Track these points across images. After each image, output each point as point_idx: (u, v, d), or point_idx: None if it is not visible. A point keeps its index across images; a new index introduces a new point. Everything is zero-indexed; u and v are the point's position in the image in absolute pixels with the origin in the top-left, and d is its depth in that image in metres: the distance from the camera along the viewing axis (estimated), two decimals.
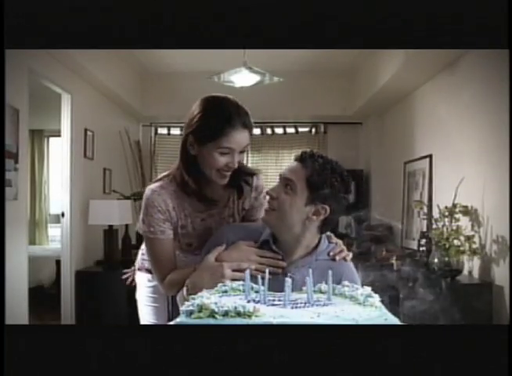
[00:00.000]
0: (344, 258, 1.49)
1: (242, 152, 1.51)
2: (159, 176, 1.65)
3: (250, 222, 1.68)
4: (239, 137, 1.46)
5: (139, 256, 1.85)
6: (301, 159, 1.40)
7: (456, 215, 2.97)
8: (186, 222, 1.60)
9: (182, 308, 1.04)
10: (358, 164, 5.64)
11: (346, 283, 1.22)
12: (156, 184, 1.57)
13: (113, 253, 4.15)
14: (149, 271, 1.75)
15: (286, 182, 1.39)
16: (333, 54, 4.62)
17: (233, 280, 1.33)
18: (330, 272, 1.19)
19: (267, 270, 1.22)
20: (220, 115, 1.46)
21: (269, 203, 1.41)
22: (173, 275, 1.56)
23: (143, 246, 1.73)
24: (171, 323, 1.14)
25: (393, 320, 1.04)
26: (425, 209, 3.51)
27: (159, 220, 1.54)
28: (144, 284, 1.82)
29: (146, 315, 1.82)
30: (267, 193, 1.44)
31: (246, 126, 1.47)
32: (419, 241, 3.43)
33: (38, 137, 6.51)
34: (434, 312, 2.68)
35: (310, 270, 1.19)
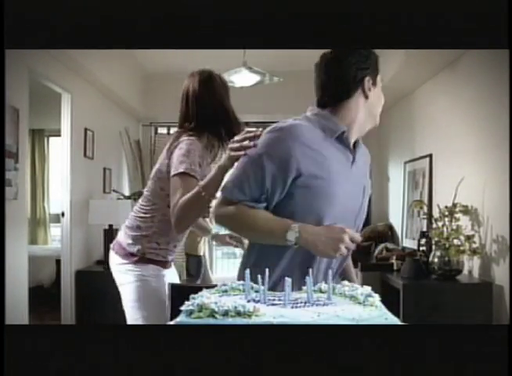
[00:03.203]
0: None
1: None
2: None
3: None
4: None
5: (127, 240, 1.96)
6: None
7: (456, 215, 2.97)
8: (206, 171, 1.81)
9: (182, 307, 1.04)
10: None
11: (346, 282, 1.23)
12: (192, 138, 1.84)
13: None
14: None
15: None
16: None
17: None
18: (330, 271, 1.20)
19: (266, 270, 1.23)
20: None
21: None
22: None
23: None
24: (171, 322, 1.14)
25: (393, 320, 1.03)
26: (425, 209, 3.51)
27: (197, 163, 1.78)
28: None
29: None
30: None
31: None
32: (419, 241, 3.43)
33: (38, 137, 6.50)
34: (435, 311, 2.69)
35: (310, 270, 1.20)
